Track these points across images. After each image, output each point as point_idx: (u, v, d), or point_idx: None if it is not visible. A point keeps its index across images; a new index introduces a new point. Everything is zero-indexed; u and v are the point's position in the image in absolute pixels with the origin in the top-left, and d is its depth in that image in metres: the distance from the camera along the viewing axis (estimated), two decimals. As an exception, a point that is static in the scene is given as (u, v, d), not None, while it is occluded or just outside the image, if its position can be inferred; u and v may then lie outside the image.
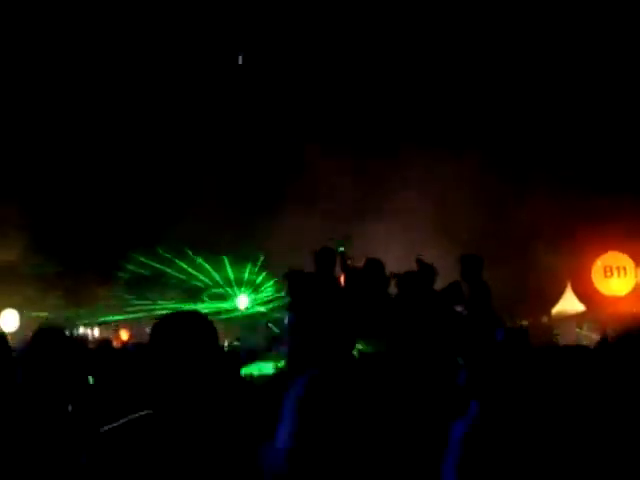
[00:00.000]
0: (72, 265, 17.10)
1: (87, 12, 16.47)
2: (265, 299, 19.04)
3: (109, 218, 17.19)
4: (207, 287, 19.00)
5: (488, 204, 14.59)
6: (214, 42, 17.42)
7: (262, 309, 18.79)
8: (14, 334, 13.28)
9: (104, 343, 7.99)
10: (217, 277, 19.08)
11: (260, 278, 19.05)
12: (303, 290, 6.62)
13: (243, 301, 19.14)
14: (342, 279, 7.39)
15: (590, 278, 14.09)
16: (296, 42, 17.01)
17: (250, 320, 18.44)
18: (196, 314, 2.46)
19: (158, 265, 18.28)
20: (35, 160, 16.76)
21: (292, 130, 16.88)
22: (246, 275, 19.10)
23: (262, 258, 18.45)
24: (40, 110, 16.79)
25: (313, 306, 6.45)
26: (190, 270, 18.77)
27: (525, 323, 12.91)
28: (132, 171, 17.23)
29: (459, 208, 14.67)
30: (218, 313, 17.76)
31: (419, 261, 7.05)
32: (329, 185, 15.84)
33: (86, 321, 17.39)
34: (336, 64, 16.76)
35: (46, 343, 3.32)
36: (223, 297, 19.18)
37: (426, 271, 6.83)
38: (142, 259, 18.09)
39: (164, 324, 2.37)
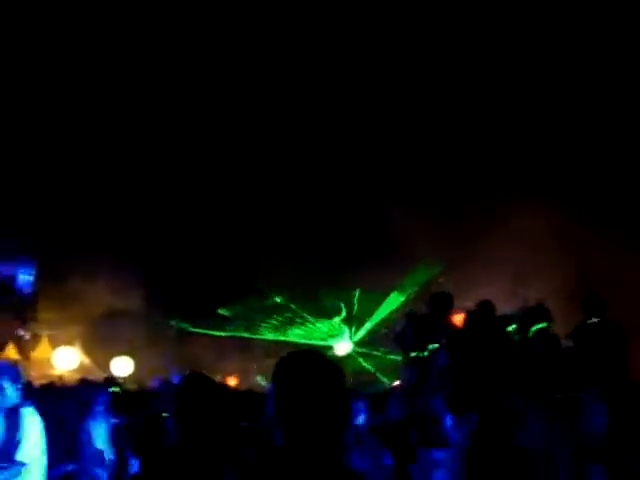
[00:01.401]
0: (178, 313, 17.66)
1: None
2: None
3: (215, 272, 17.73)
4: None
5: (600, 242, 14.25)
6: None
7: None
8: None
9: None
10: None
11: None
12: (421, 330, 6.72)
13: (342, 347, 19.34)
14: (454, 320, 7.37)
15: None
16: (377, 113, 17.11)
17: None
18: (318, 354, 2.31)
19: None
20: (151, 222, 17.47)
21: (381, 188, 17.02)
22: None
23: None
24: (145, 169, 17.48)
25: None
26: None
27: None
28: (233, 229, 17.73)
29: (555, 255, 14.37)
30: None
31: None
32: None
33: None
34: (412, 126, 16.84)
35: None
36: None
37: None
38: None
39: (288, 362, 2.28)
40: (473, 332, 6.48)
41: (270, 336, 18.95)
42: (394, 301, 18.56)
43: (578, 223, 14.16)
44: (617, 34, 15.03)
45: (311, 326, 19.42)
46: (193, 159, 17.59)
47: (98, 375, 13.31)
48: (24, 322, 17.63)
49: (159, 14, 16.87)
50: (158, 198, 17.70)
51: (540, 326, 6.19)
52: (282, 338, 18.95)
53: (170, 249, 17.90)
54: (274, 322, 19.14)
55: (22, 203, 17.00)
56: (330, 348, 19.40)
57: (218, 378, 16.01)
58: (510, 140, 15.99)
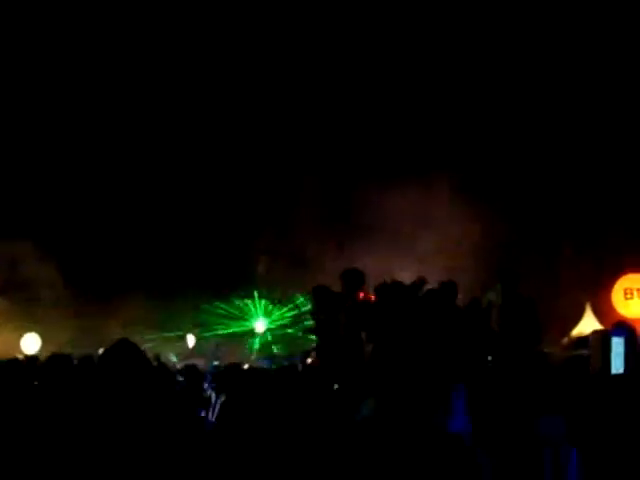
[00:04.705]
0: (93, 293, 17.34)
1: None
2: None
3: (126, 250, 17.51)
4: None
5: (508, 225, 14.65)
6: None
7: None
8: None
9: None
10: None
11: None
12: (327, 305, 6.78)
13: (260, 325, 19.50)
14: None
15: (610, 300, 14.05)
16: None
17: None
18: None
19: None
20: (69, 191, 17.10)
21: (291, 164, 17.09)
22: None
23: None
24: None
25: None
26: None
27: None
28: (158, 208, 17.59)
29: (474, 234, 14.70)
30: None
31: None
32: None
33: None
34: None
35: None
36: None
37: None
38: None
39: None
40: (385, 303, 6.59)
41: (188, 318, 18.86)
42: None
43: (485, 208, 14.54)
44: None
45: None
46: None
47: (4, 354, 12.88)
48: None
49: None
50: (72, 168, 17.34)
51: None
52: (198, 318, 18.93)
53: (84, 219, 17.55)
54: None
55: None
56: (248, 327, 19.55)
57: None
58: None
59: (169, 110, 17.36)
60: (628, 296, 13.69)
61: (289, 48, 16.58)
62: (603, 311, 14.42)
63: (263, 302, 19.55)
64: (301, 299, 16.97)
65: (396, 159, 15.96)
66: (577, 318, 14.86)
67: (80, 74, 17.13)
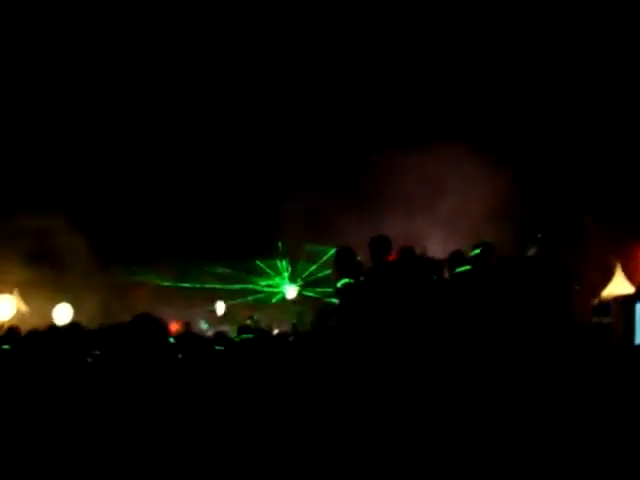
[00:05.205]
0: (123, 264, 17.55)
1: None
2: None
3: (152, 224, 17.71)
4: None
5: (529, 194, 14.49)
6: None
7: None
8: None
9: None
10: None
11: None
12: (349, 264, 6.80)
13: (291, 291, 19.60)
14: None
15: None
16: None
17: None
18: None
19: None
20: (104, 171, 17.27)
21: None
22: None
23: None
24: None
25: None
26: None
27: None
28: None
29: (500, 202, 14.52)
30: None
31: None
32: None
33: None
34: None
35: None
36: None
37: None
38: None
39: None
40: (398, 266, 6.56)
41: (216, 285, 18.98)
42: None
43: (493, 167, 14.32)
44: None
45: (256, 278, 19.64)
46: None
47: (36, 323, 13.12)
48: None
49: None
50: (100, 142, 17.50)
51: (462, 269, 6.26)
52: (228, 287, 19.04)
53: (113, 194, 17.73)
54: (219, 270, 19.15)
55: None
56: (279, 293, 19.64)
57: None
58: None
59: (190, 82, 17.39)
60: (658, 256, 13.53)
61: (306, 16, 16.46)
62: (633, 272, 14.25)
63: (285, 264, 19.67)
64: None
65: (418, 123, 15.79)
66: (607, 279, 14.67)
67: (97, 64, 17.28)
